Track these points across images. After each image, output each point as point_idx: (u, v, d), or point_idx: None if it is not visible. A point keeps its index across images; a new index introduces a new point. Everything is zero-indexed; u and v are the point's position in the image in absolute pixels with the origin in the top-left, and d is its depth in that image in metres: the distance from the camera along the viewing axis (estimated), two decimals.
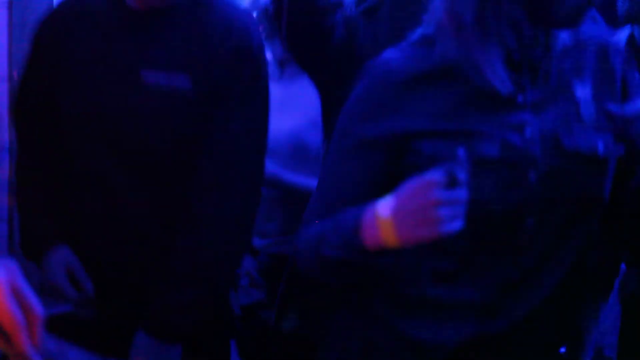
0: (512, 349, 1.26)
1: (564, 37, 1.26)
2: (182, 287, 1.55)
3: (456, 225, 1.09)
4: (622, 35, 1.32)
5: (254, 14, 2.12)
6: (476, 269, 1.24)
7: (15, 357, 0.84)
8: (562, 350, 1.30)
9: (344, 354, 1.36)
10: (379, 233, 1.14)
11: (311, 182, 1.89)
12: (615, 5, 1.86)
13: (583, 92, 1.25)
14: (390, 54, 1.27)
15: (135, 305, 1.58)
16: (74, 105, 1.61)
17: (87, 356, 0.86)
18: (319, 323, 1.78)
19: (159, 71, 1.55)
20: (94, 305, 1.57)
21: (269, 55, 2.07)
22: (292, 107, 2.04)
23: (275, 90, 2.11)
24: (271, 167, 2.04)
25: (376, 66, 1.28)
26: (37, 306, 0.86)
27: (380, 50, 1.29)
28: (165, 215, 1.60)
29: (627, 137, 1.27)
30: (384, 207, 1.14)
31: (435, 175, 1.09)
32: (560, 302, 1.28)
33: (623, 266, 1.79)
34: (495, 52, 1.20)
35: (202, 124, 1.55)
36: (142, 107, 1.55)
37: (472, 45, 1.21)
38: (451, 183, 1.08)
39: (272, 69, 2.12)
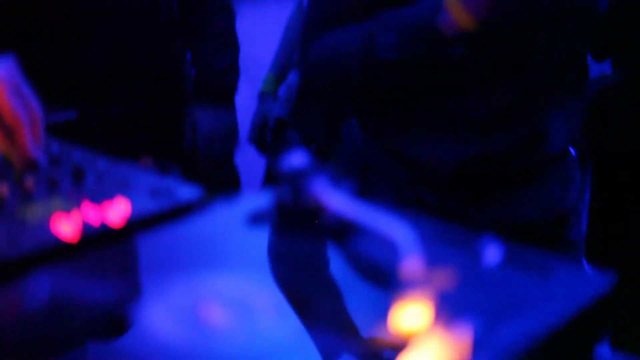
0: (512, 168, 1.24)
1: None
2: (222, 53, 1.81)
3: None
4: None
5: None
6: (483, 86, 1.20)
7: (18, 159, 0.82)
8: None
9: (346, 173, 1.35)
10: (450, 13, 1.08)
11: None
12: None
13: None
14: None
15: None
16: None
17: (92, 157, 0.84)
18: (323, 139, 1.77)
19: None
20: None
21: None
22: None
23: None
24: None
25: None
26: (37, 104, 0.84)
27: None
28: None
29: None
30: None
31: None
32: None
33: None
34: None
35: None
36: None
37: None
38: None
39: None
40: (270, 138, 2.10)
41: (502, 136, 1.21)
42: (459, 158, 1.21)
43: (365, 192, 1.28)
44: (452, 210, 1.24)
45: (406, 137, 1.24)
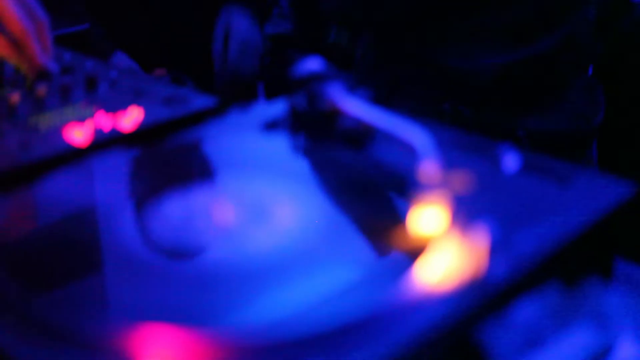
0: (550, 74, 1.22)
1: None
2: None
3: None
4: None
5: None
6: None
7: (28, 68, 0.81)
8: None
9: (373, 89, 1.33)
10: None
11: None
12: None
13: None
14: None
15: None
16: None
17: (105, 66, 0.82)
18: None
19: None
20: None
21: None
22: None
23: None
24: None
25: None
26: (42, 13, 0.82)
27: None
28: None
29: None
30: None
31: None
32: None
33: None
34: None
35: None
36: None
37: None
38: None
39: None
40: (267, 61, 2.03)
41: (540, 41, 1.19)
42: (502, 61, 1.19)
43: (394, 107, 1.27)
44: (488, 122, 1.22)
45: (444, 49, 1.22)
